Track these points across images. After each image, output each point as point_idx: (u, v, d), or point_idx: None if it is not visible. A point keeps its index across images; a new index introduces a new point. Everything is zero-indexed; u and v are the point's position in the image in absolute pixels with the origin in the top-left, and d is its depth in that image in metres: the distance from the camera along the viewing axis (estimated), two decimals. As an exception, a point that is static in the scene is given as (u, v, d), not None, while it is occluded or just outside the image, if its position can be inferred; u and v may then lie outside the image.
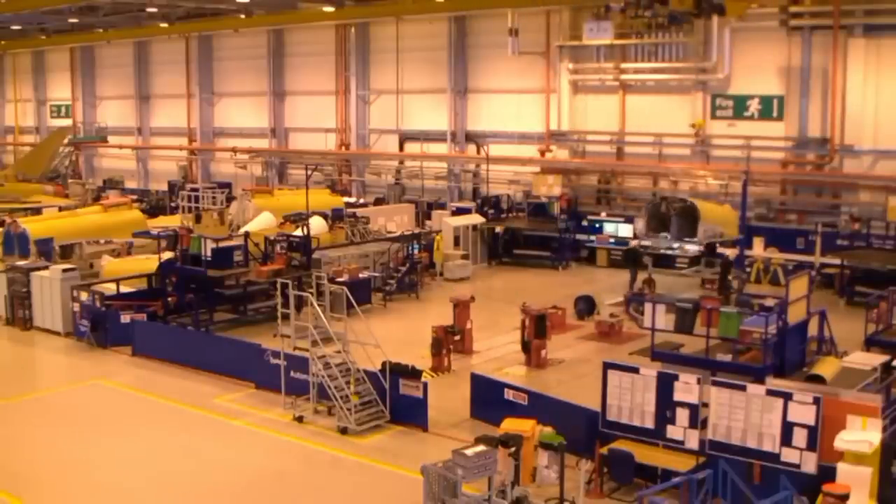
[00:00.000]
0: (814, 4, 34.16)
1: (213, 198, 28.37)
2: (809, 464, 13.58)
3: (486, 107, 44.55)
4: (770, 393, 13.96)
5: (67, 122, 64.09)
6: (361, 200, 46.31)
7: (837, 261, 30.92)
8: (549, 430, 15.03)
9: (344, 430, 18.51)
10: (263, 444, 18.33)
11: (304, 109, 51.84)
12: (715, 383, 14.51)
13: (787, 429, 13.74)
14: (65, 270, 27.05)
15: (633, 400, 15.30)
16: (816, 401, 13.57)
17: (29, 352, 25.73)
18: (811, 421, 13.55)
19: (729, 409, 14.20)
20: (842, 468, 12.73)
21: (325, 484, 16.55)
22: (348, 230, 35.07)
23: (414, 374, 19.06)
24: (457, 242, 35.99)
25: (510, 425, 15.22)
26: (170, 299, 25.91)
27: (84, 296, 25.93)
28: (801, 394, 13.78)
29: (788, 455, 13.75)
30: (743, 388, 14.19)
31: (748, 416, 14.03)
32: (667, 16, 31.64)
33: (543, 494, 14.58)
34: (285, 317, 19.79)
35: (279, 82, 52.74)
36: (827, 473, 13.01)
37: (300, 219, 32.80)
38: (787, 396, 13.81)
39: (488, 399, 18.94)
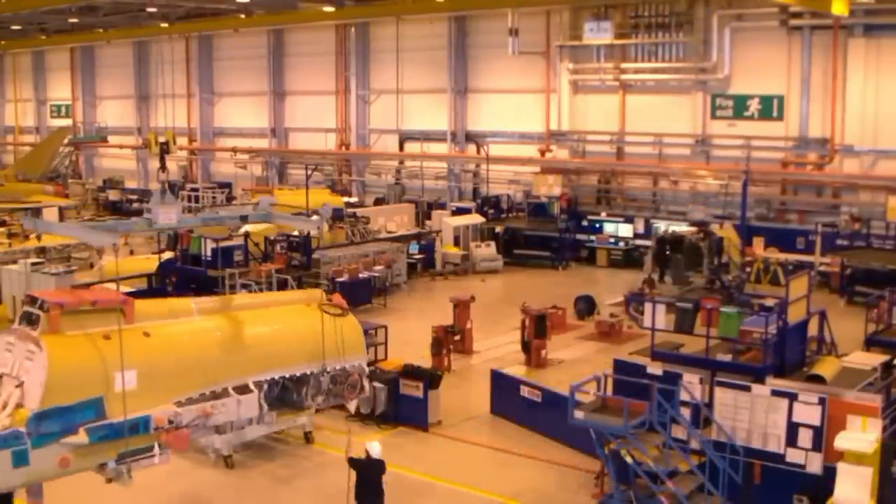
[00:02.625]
0: (814, 4, 34.21)
1: (214, 197, 28.44)
2: (814, 464, 13.56)
3: (486, 107, 44.56)
4: (775, 393, 13.96)
5: (67, 122, 64.11)
6: (356, 199, 46.18)
7: (833, 260, 30.97)
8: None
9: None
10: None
11: (304, 109, 51.85)
12: (719, 384, 14.50)
13: (793, 429, 13.73)
14: (33, 264, 27.43)
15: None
16: (822, 401, 13.55)
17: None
18: (816, 421, 13.54)
19: (733, 409, 14.18)
20: (842, 468, 12.72)
21: (324, 483, 16.55)
22: (348, 230, 35.07)
23: (433, 377, 19.16)
24: (457, 242, 36.10)
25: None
26: (170, 299, 25.89)
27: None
28: (807, 394, 13.77)
29: (793, 455, 13.74)
30: (747, 389, 14.18)
31: (753, 416, 14.02)
32: None
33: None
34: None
35: (279, 82, 52.75)
36: (830, 474, 13.01)
37: (300, 219, 32.75)
38: (792, 397, 13.80)
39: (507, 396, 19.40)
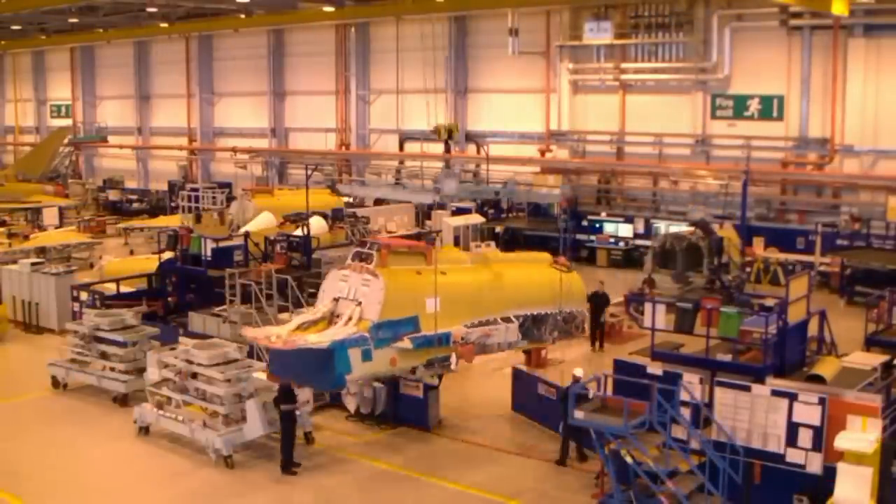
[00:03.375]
0: (814, 4, 34.21)
1: (213, 198, 28.37)
2: (814, 464, 13.56)
3: (486, 107, 44.56)
4: (775, 393, 13.95)
5: (67, 122, 64.11)
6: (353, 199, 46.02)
7: (833, 260, 30.95)
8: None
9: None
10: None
11: (304, 109, 51.85)
12: (719, 384, 14.49)
13: (792, 429, 13.73)
14: (33, 264, 27.75)
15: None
16: (822, 401, 13.55)
17: (28, 351, 25.70)
18: (816, 421, 13.53)
19: (733, 409, 14.18)
20: (842, 468, 12.72)
21: (324, 483, 16.56)
22: (348, 230, 35.02)
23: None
24: (457, 242, 36.03)
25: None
26: (170, 299, 25.90)
27: (84, 295, 25.96)
28: (807, 394, 13.76)
29: (793, 455, 13.73)
30: (747, 389, 14.18)
31: (753, 416, 14.02)
32: None
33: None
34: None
35: (279, 82, 52.75)
36: (830, 474, 13.01)
37: (300, 219, 32.76)
38: (792, 397, 13.79)
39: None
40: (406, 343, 14.97)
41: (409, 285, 15.00)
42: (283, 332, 14.36)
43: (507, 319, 17.00)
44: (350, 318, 14.62)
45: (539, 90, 42.12)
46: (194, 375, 17.80)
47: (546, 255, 19.85)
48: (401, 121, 47.39)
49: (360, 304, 14.75)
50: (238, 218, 35.03)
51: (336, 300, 14.99)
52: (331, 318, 14.86)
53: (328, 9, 44.53)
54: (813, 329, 17.18)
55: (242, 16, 49.68)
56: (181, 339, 21.49)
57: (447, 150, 18.63)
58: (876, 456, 12.86)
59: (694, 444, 14.28)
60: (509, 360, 23.56)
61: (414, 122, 47.04)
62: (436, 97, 45.39)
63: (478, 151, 44.45)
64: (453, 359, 15.85)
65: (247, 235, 27.57)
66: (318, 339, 14.14)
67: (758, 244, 30.80)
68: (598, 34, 37.62)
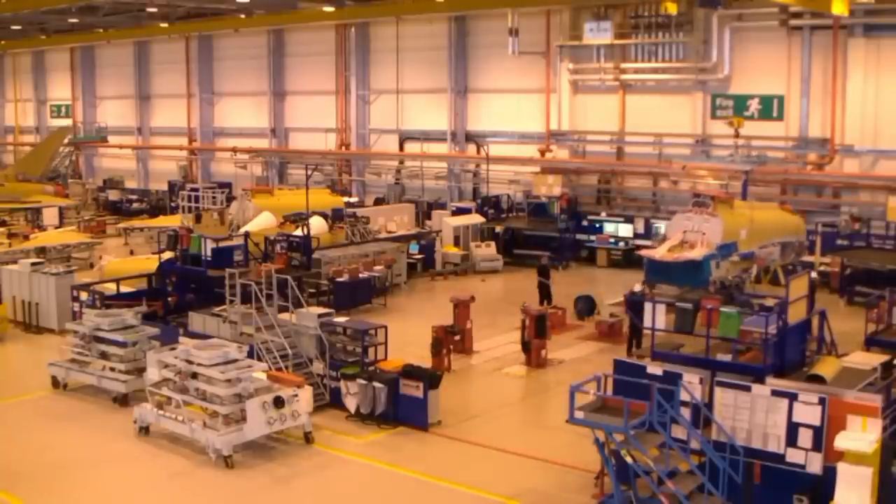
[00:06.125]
0: (814, 4, 34.18)
1: (213, 198, 28.34)
2: (814, 464, 13.56)
3: (486, 107, 44.55)
4: (775, 393, 13.95)
5: (67, 122, 64.10)
6: (355, 199, 46.11)
7: (832, 260, 30.95)
8: None
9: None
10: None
11: (304, 109, 51.85)
12: (719, 384, 14.50)
13: (793, 429, 13.72)
14: (33, 264, 27.85)
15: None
16: (822, 401, 13.55)
17: (28, 351, 25.71)
18: (816, 421, 13.53)
19: (733, 409, 14.18)
20: (842, 468, 12.73)
21: (324, 483, 16.56)
22: (348, 230, 35.07)
23: (433, 377, 19.23)
24: (457, 242, 36.11)
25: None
26: (170, 299, 25.90)
27: (84, 295, 25.96)
28: (807, 394, 13.76)
29: (793, 455, 13.74)
30: (747, 389, 14.18)
31: (753, 416, 14.02)
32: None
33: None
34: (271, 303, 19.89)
35: (279, 82, 52.76)
36: (830, 474, 13.01)
37: (300, 219, 32.80)
38: (792, 397, 13.79)
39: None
40: (735, 257, 20.17)
41: (731, 221, 20.19)
42: (663, 251, 19.42)
43: (774, 244, 22.35)
44: (702, 244, 19.66)
45: (539, 90, 42.12)
46: (194, 375, 17.81)
47: (774, 203, 25.86)
48: (401, 121, 47.42)
49: (704, 234, 19.77)
50: (238, 218, 35.07)
51: (684, 232, 20.06)
52: (681, 244, 20.00)
53: (328, 9, 44.51)
54: (813, 329, 17.24)
55: (242, 16, 49.64)
56: (181, 339, 21.50)
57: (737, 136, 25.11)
58: (876, 456, 12.86)
59: (694, 444, 14.28)
60: (511, 360, 23.64)
61: (414, 122, 47.07)
62: (437, 97, 45.60)
63: (478, 151, 44.48)
64: (753, 269, 20.62)
65: (247, 235, 27.58)
66: (693, 254, 19.30)
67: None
68: (598, 34, 37.66)
